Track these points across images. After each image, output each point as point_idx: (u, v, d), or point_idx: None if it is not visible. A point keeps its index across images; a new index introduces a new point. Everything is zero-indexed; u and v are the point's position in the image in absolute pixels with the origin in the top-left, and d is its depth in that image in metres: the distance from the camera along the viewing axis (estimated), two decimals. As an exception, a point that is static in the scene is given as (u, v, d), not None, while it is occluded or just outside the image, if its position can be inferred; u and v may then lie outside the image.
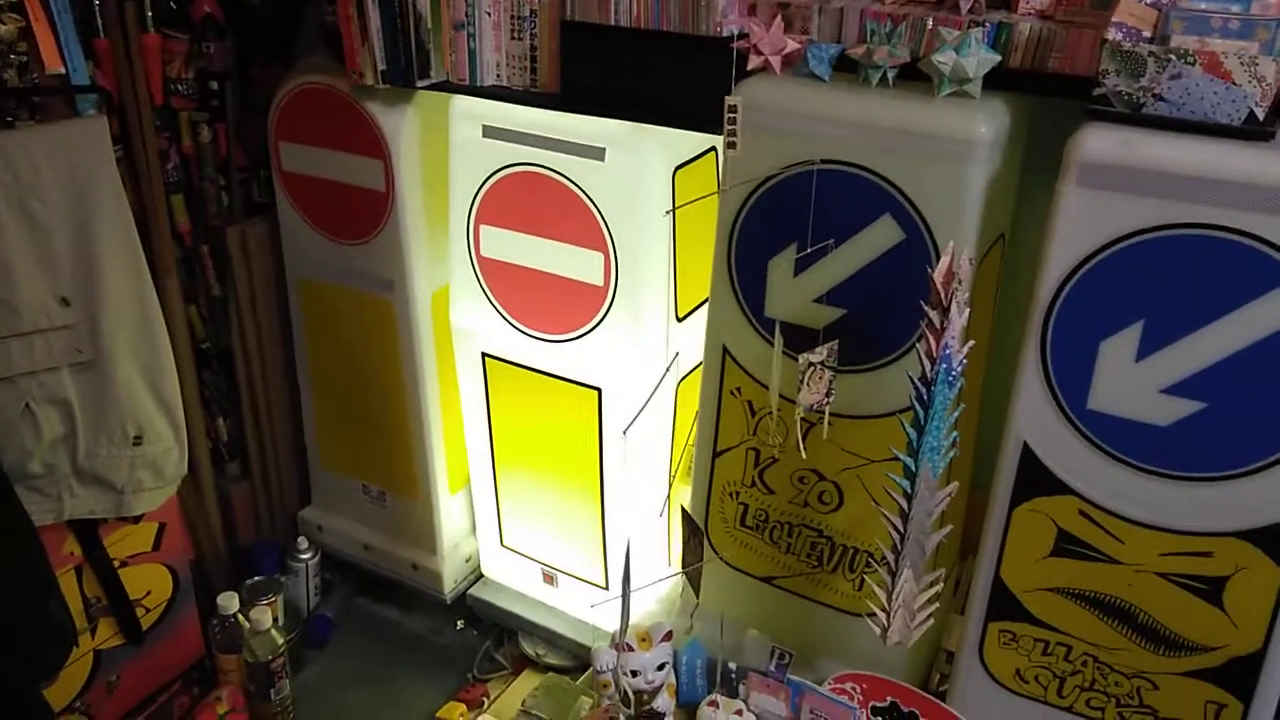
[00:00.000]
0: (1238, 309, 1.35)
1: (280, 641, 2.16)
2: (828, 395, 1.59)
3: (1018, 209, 1.80)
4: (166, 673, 2.20)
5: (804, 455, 1.63)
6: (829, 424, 1.64)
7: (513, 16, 1.82)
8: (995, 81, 1.52)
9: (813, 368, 1.56)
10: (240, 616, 2.19)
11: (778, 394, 1.66)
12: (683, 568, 1.75)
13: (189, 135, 2.19)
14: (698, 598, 1.73)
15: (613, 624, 1.84)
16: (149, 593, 2.10)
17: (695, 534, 1.72)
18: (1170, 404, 1.43)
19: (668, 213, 1.82)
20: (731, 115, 1.51)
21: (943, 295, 1.40)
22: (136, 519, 2.03)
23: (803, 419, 1.64)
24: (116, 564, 2.02)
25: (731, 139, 1.54)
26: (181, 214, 2.22)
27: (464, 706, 2.22)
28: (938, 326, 1.42)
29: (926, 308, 1.42)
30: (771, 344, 1.71)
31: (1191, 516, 1.47)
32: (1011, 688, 1.70)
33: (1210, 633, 1.52)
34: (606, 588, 2.20)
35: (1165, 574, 1.52)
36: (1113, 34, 1.39)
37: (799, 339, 1.65)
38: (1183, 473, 1.46)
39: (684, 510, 1.81)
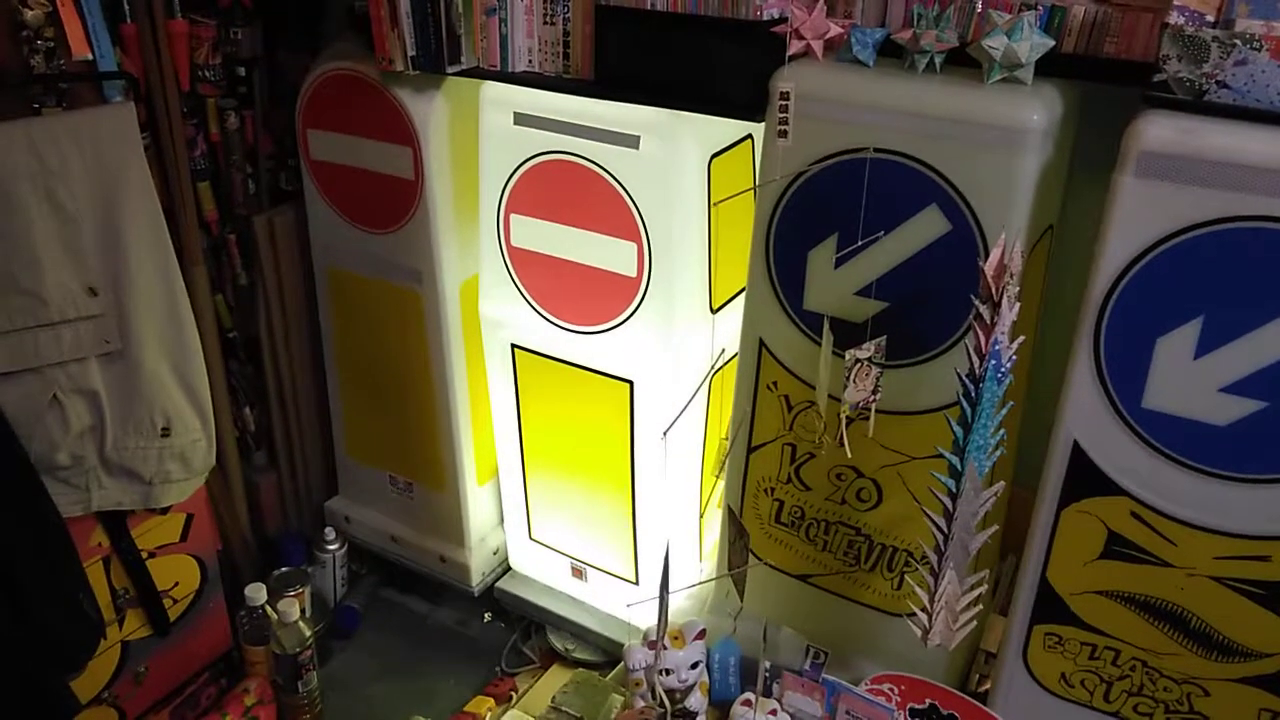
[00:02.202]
0: (1302, 305, 1.30)
1: (308, 633, 2.15)
2: (874, 392, 1.55)
3: (1066, 199, 1.75)
4: (194, 664, 2.19)
5: (849, 454, 1.59)
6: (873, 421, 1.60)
7: (545, 1, 1.78)
8: (1047, 67, 1.47)
9: (859, 364, 1.52)
10: (268, 608, 2.18)
11: (826, 391, 1.61)
12: (729, 569, 1.71)
13: (216, 122, 2.17)
14: (742, 600, 1.69)
15: (644, 621, 1.81)
16: (176, 584, 2.09)
17: (741, 535, 1.67)
18: (1229, 403, 1.38)
19: (717, 204, 1.77)
20: (783, 103, 1.45)
21: (993, 289, 1.36)
22: (164, 510, 2.01)
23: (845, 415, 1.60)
24: (144, 555, 2.00)
25: (783, 127, 1.48)
26: (209, 202, 2.20)
27: (492, 701, 2.20)
28: (987, 321, 1.37)
29: (976, 302, 1.38)
30: (809, 337, 1.67)
31: (1249, 519, 1.43)
32: (1056, 691, 1.66)
33: (1266, 638, 1.48)
34: (637, 583, 2.17)
35: (1220, 578, 1.47)
36: (1174, 18, 1.34)
37: (840, 333, 1.61)
38: (1241, 474, 1.41)
39: (730, 510, 1.78)
